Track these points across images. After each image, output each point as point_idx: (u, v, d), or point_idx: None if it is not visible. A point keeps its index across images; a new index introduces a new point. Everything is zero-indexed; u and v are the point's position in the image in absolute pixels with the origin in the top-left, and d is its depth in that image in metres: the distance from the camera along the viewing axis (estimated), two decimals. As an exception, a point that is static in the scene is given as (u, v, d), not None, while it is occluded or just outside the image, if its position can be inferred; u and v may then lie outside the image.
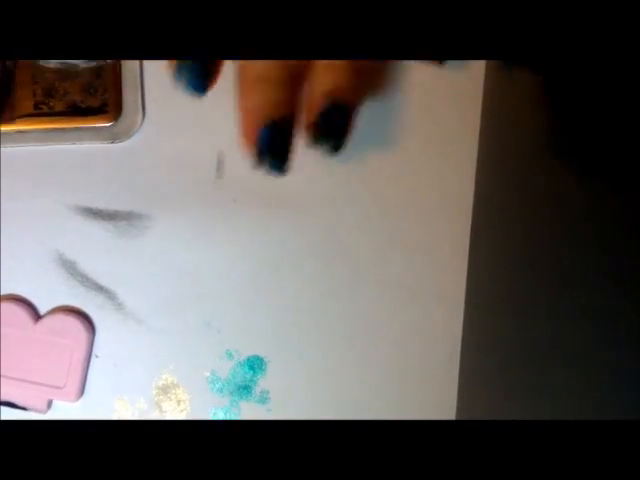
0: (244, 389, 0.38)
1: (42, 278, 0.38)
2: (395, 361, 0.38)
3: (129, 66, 0.38)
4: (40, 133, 0.38)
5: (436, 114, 0.38)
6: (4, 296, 0.37)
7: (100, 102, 0.38)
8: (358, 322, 0.38)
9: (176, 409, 0.37)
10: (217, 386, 0.38)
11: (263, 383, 0.38)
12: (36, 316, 0.37)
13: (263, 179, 0.37)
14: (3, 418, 0.37)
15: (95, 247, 0.38)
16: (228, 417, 0.37)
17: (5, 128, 0.38)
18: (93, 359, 0.37)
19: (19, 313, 0.37)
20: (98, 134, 0.38)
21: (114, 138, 0.38)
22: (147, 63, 0.39)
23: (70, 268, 0.38)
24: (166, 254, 0.38)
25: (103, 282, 0.38)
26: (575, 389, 0.28)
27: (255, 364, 0.38)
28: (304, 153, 0.34)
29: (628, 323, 0.24)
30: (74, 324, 0.37)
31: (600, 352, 0.26)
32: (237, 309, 0.38)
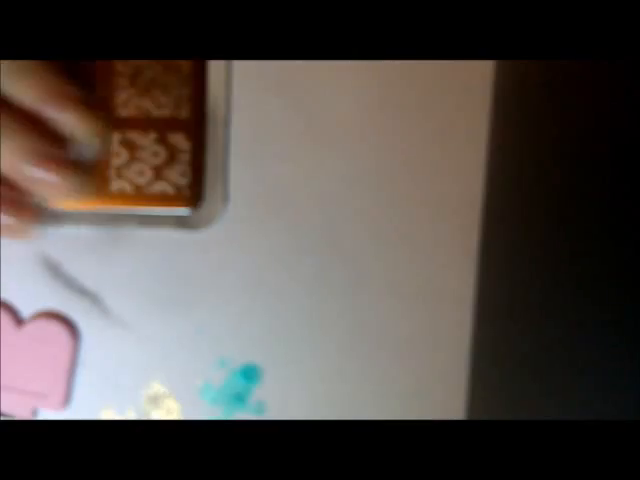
0: (238, 399, 0.37)
1: (25, 281, 0.37)
2: (399, 369, 0.37)
3: None
4: None
5: (444, 112, 0.37)
6: (-15, 300, 0.37)
7: None
8: (360, 327, 0.37)
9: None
10: (210, 396, 0.37)
11: (259, 393, 0.37)
12: (19, 321, 0.37)
13: (261, 179, 0.37)
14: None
15: (81, 248, 0.37)
16: (221, 429, 0.37)
17: None
18: (79, 366, 0.37)
19: (1, 318, 0.36)
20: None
21: None
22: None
23: (54, 270, 0.37)
24: (155, 256, 0.37)
25: (88, 285, 0.37)
26: (586, 392, 0.27)
27: (250, 372, 0.37)
28: (303, 153, 0.34)
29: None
30: (58, 330, 0.36)
31: (613, 355, 0.25)
32: (230, 314, 0.37)
